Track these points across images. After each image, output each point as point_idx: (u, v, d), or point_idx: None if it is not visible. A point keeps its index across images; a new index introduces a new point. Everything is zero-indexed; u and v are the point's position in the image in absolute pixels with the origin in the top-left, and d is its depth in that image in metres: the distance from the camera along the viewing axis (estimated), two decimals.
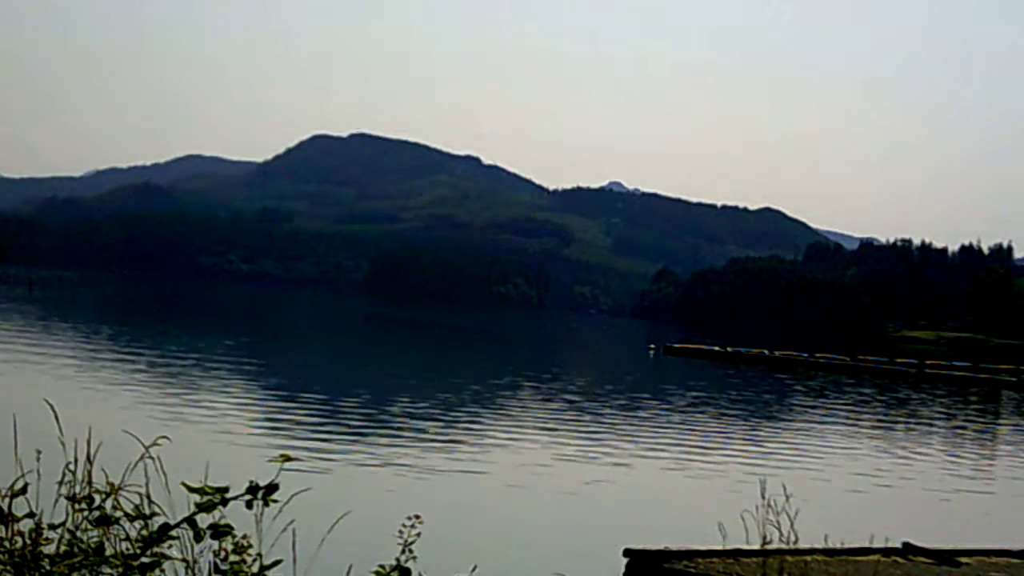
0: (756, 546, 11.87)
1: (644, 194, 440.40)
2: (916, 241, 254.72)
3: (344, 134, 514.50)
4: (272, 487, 3.86)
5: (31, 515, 3.93)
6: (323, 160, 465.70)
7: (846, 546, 13.54)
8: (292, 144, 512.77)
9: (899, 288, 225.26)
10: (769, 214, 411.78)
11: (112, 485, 4.01)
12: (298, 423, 25.28)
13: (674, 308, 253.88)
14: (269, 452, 17.27)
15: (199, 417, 24.19)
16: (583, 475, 21.37)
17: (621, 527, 15.77)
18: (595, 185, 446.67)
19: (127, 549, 3.83)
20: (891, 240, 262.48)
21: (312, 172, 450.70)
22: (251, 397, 31.04)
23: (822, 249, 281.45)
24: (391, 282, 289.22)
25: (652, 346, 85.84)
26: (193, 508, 3.79)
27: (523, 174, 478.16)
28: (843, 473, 24.92)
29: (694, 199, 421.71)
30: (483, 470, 20.67)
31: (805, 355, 78.60)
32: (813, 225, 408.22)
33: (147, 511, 3.91)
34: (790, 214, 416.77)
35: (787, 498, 11.01)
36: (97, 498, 4.00)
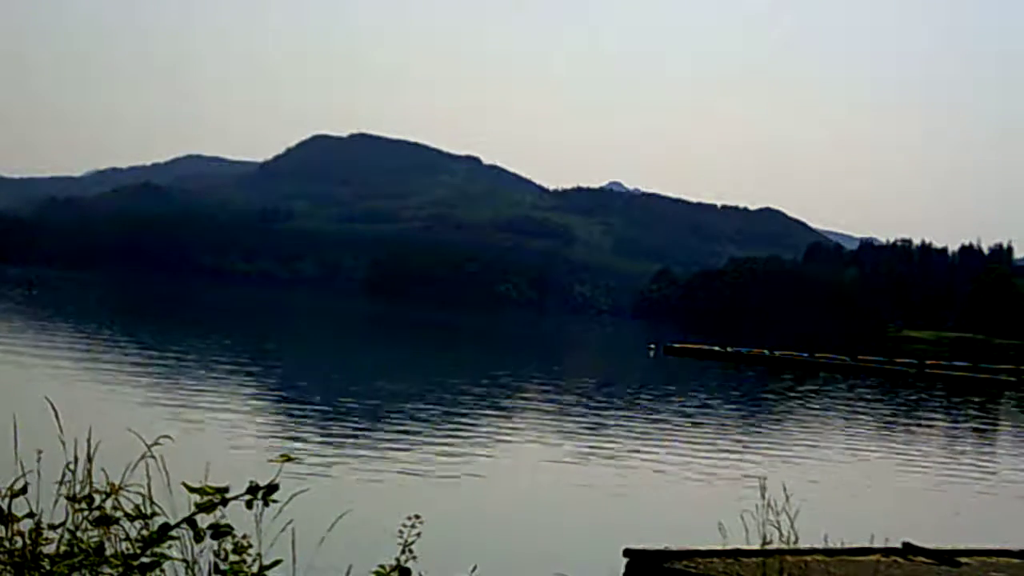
0: (756, 546, 11.86)
1: (644, 194, 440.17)
2: (916, 241, 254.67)
3: (344, 134, 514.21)
4: (272, 487, 3.86)
5: (31, 515, 3.93)
6: (323, 160, 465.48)
7: (846, 546, 13.54)
8: (292, 144, 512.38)
9: (899, 288, 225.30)
10: (769, 214, 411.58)
11: (112, 485, 4.01)
12: (298, 423, 25.29)
13: (674, 308, 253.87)
14: (269, 452, 17.31)
15: (199, 417, 24.19)
16: (583, 475, 21.38)
17: (621, 527, 15.76)
18: (595, 185, 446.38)
19: (127, 549, 3.83)
20: (891, 240, 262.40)
21: (312, 172, 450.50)
22: (251, 397, 31.04)
23: (822, 249, 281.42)
24: (391, 282, 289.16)
25: (652, 346, 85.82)
26: (193, 508, 3.79)
27: (523, 174, 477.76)
28: (843, 473, 24.93)
29: (694, 199, 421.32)
30: (483, 470, 20.68)
31: (805, 355, 78.57)
32: (813, 225, 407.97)
33: (147, 511, 3.91)
34: (790, 214, 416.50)
35: (787, 498, 11.00)
36: (97, 498, 3.99)
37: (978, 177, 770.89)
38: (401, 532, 4.20)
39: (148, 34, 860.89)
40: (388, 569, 4.00)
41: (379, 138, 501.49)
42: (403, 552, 4.12)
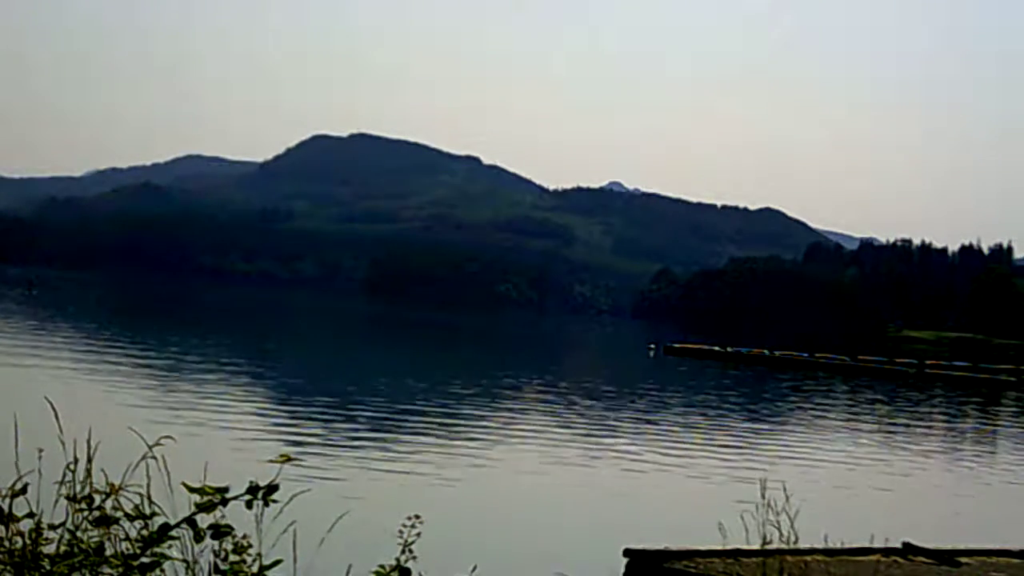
0: (756, 546, 11.86)
1: (644, 194, 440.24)
2: (916, 241, 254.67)
3: (344, 134, 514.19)
4: (272, 487, 3.86)
5: (31, 515, 3.93)
6: (323, 160, 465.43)
7: (846, 546, 13.54)
8: (292, 144, 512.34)
9: (899, 288, 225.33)
10: (769, 214, 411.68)
11: (112, 485, 4.01)
12: (298, 423, 25.30)
13: (674, 308, 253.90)
14: (269, 452, 17.30)
15: (199, 417, 24.19)
16: (583, 475, 21.38)
17: (621, 527, 15.76)
18: (595, 185, 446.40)
19: (127, 549, 3.83)
20: (891, 240, 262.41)
21: (312, 172, 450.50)
22: (251, 397, 31.04)
23: (822, 249, 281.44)
24: (391, 282, 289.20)
25: (652, 346, 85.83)
26: (193, 508, 3.79)
27: (523, 174, 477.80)
28: (843, 473, 24.93)
29: (694, 199, 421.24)
30: (483, 470, 20.68)
31: (805, 355, 78.58)
32: (813, 225, 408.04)
33: (147, 511, 3.91)
34: (790, 214, 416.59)
35: (787, 498, 11.00)
36: (97, 498, 3.99)
37: (978, 177, 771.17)
38: (401, 532, 4.20)
39: (148, 34, 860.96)
40: (388, 569, 4.00)
41: (379, 138, 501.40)
42: (403, 552, 4.12)
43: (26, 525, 3.89)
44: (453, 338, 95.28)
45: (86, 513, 3.97)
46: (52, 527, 3.94)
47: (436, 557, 4.67)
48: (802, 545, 11.88)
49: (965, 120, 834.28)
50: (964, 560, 14.08)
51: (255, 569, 3.95)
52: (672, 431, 30.50)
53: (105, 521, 3.93)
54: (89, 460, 4.31)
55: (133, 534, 3.86)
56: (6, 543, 3.86)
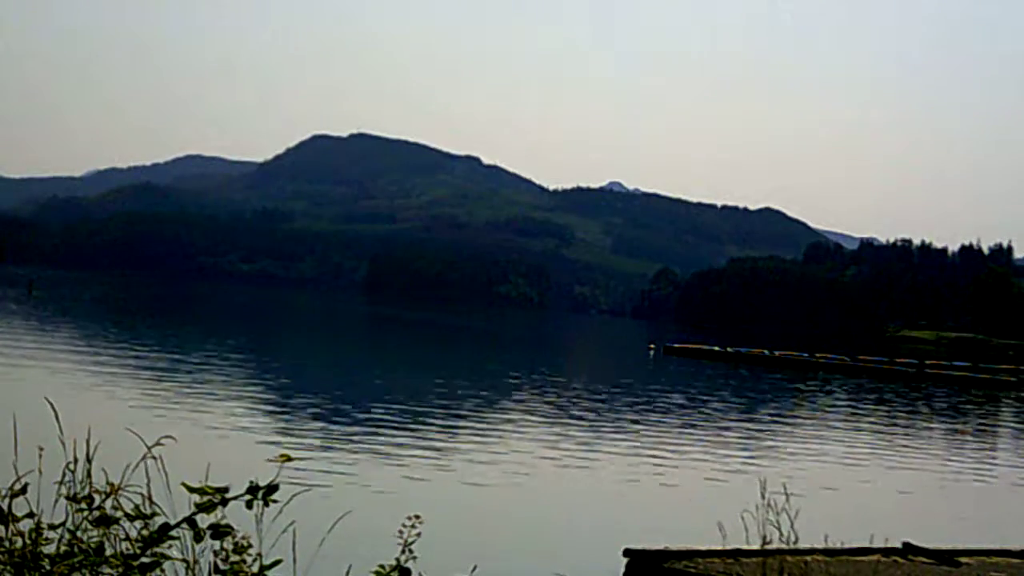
0: (756, 546, 11.86)
1: (644, 194, 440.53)
2: (916, 241, 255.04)
3: (344, 134, 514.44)
4: (272, 487, 3.86)
5: (31, 515, 3.93)
6: (323, 160, 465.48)
7: (846, 546, 13.54)
8: (292, 144, 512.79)
9: (899, 288, 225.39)
10: (769, 214, 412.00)
11: (112, 485, 4.01)
12: (298, 423, 25.29)
13: (674, 308, 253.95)
14: (269, 452, 17.29)
15: (199, 417, 24.18)
16: (583, 475, 21.37)
17: (621, 527, 15.76)
18: (595, 185, 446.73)
19: (127, 549, 3.83)
20: (891, 240, 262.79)
21: (312, 172, 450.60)
22: (251, 397, 31.03)
23: (822, 249, 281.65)
24: (391, 282, 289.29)
25: (652, 346, 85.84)
26: (193, 508, 3.79)
27: (523, 174, 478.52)
28: (843, 473, 24.92)
29: (694, 199, 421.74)
30: (483, 470, 20.67)
31: (805, 355, 78.61)
32: (813, 225, 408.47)
33: (147, 511, 3.92)
34: (790, 214, 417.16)
35: (787, 498, 11.00)
36: (97, 498, 4.00)
37: (978, 177, 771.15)
38: (401, 532, 4.20)
39: (147, 34, 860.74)
40: (388, 569, 4.00)
41: (379, 138, 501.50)
42: (403, 552, 4.13)
43: (26, 525, 3.89)
44: (453, 338, 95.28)
45: (86, 513, 3.98)
46: (52, 527, 3.94)
47: (436, 557, 4.67)
48: (802, 545, 11.88)
49: (965, 120, 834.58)
50: (964, 560, 14.08)
51: (255, 569, 3.96)
52: (672, 431, 30.49)
53: (105, 521, 3.93)
54: (89, 460, 4.31)
55: (133, 534, 3.86)
56: (6, 543, 3.86)
